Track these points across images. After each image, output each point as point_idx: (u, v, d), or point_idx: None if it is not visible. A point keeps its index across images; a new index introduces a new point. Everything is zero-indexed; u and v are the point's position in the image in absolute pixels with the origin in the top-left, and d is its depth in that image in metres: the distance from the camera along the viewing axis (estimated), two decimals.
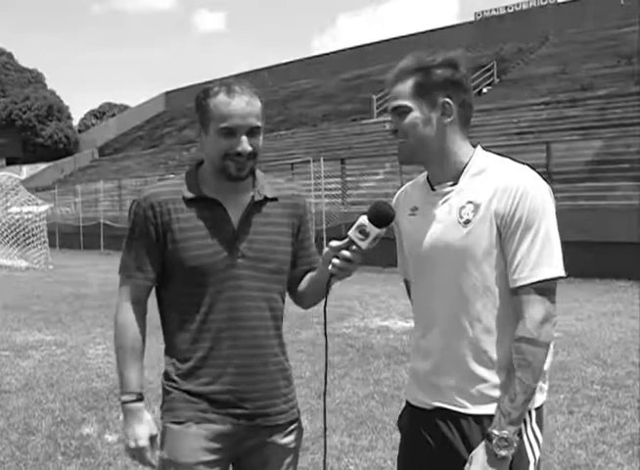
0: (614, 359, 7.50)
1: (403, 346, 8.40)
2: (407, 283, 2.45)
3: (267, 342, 2.40)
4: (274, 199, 2.42)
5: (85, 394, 6.53)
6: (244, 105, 2.24)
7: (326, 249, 2.27)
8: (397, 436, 5.42)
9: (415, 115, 2.15)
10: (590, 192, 16.76)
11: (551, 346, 2.16)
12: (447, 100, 2.16)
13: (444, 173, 2.21)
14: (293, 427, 2.46)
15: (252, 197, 2.37)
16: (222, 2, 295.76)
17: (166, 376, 2.40)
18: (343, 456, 4.88)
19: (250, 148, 2.26)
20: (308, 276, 2.53)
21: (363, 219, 2.16)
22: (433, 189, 2.25)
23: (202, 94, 2.30)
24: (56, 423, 5.74)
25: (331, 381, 6.87)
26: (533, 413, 2.16)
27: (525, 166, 2.17)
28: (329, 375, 7.51)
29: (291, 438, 2.45)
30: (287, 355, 2.51)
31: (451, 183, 2.19)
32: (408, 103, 2.16)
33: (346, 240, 2.19)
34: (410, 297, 2.43)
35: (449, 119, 2.17)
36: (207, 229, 2.31)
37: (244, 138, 2.25)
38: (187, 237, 2.30)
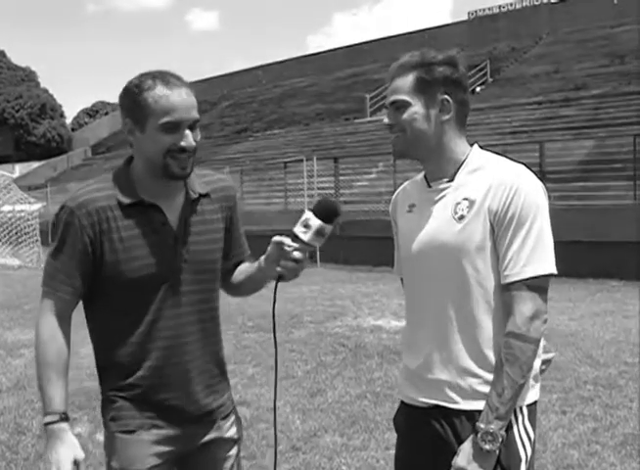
0: (606, 359, 7.50)
1: (396, 345, 8.37)
2: (404, 281, 2.44)
3: (210, 339, 2.35)
4: (206, 195, 2.31)
5: (77, 393, 6.47)
6: (185, 96, 2.10)
7: (269, 249, 2.20)
8: (390, 435, 5.39)
9: (414, 109, 2.16)
10: (583, 191, 16.79)
11: (541, 344, 2.17)
12: (446, 97, 2.17)
13: (441, 170, 2.22)
14: (233, 418, 2.43)
15: (187, 196, 2.26)
16: (215, 1, 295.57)
17: (108, 386, 2.30)
18: (336, 456, 4.86)
19: (194, 143, 2.12)
20: (244, 269, 2.45)
21: (307, 213, 2.12)
22: (429, 186, 2.26)
23: (134, 89, 2.11)
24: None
25: (323, 380, 6.87)
26: (525, 410, 2.17)
27: (521, 165, 2.18)
28: (321, 374, 7.45)
29: (233, 429, 2.42)
30: (222, 345, 2.44)
31: (447, 180, 2.21)
32: (407, 98, 2.17)
33: (295, 240, 2.13)
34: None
35: (447, 117, 2.18)
36: (148, 237, 2.18)
37: (187, 132, 2.11)
38: (128, 247, 2.16)
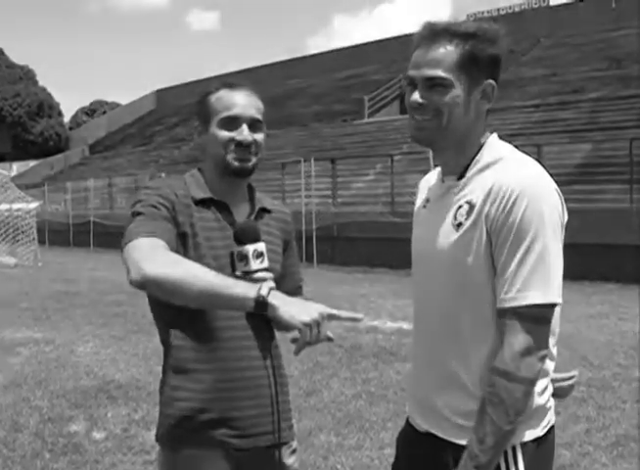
0: (600, 361, 7.54)
1: (392, 346, 8.43)
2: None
3: (272, 353, 2.30)
4: (270, 211, 2.36)
5: (73, 391, 6.52)
6: (244, 96, 2.23)
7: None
8: (385, 435, 5.42)
9: (457, 92, 1.80)
10: (579, 195, 16.83)
11: (541, 383, 1.82)
12: (492, 82, 1.86)
13: (457, 164, 1.89)
14: (294, 445, 2.35)
15: (252, 206, 2.31)
16: (216, 1, 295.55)
17: (172, 402, 2.18)
18: (330, 455, 4.89)
19: (250, 137, 2.19)
20: None
21: (236, 249, 2.11)
22: (442, 181, 1.95)
23: (203, 93, 2.28)
24: (43, 421, 5.73)
25: (319, 380, 6.89)
26: (519, 452, 1.80)
27: (536, 165, 1.83)
28: (317, 374, 7.44)
29: (293, 458, 2.34)
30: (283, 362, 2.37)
31: (456, 177, 1.88)
32: (451, 77, 1.79)
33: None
34: None
35: (488, 106, 1.87)
36: (215, 231, 2.19)
37: (244, 127, 2.19)
38: (198, 241, 2.14)
